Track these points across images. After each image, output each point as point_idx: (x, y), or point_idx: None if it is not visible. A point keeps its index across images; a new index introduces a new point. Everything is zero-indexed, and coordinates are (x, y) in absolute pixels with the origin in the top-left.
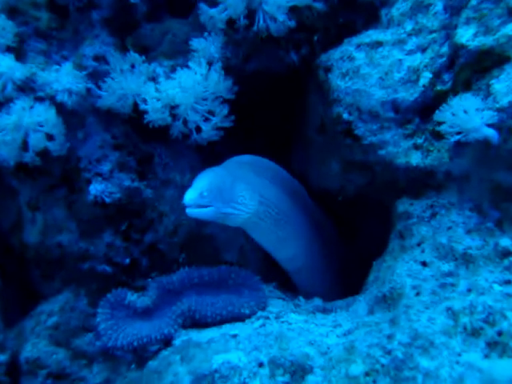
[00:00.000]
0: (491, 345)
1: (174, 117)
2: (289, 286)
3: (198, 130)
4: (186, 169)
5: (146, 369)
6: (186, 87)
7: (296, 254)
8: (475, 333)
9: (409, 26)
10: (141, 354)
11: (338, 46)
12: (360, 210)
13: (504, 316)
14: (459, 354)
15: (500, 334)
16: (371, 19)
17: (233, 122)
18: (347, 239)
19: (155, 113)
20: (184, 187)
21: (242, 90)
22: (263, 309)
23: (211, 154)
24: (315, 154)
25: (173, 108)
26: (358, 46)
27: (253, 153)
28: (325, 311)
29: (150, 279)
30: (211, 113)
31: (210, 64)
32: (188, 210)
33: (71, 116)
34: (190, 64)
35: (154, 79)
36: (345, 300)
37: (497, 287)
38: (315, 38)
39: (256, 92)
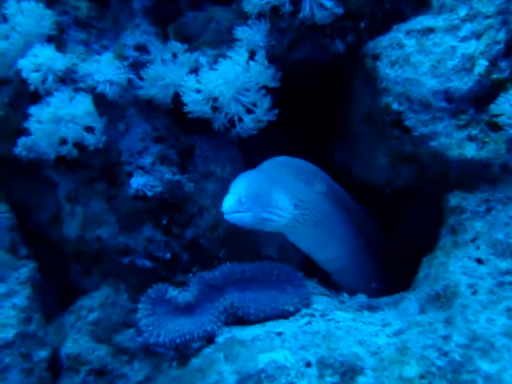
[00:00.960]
0: None
1: (215, 109)
2: (330, 281)
3: (240, 121)
4: (226, 161)
5: (188, 366)
6: (228, 79)
7: (336, 256)
8: None
9: (462, 12)
10: (183, 351)
11: (385, 33)
12: (407, 204)
13: None
14: None
15: None
16: (420, 5)
17: (276, 116)
18: (391, 234)
19: (195, 105)
20: (224, 180)
21: (286, 80)
22: (307, 306)
23: (251, 146)
24: (360, 146)
25: (214, 100)
26: (408, 33)
27: (295, 145)
28: (370, 308)
29: (190, 274)
30: (254, 104)
31: (253, 53)
32: (226, 216)
33: (112, 107)
34: (232, 54)
35: (196, 69)
36: (391, 297)
37: None
38: (362, 24)
39: (300, 82)
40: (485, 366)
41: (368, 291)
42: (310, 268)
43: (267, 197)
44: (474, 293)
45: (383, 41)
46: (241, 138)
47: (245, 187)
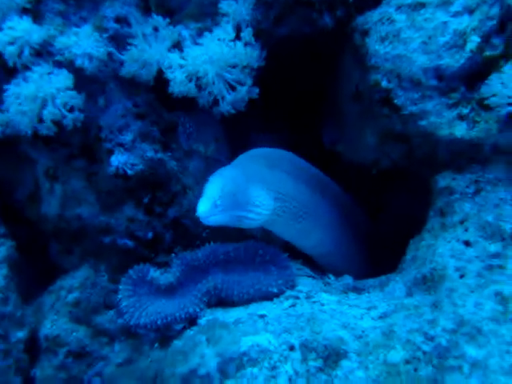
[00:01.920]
0: None
1: (200, 86)
2: (315, 263)
3: (223, 99)
4: (210, 139)
5: (170, 348)
6: (213, 57)
7: (319, 242)
8: None
9: None
10: (164, 333)
11: (376, 7)
12: (394, 186)
13: None
14: (509, 343)
15: None
16: None
17: (257, 94)
18: (378, 216)
19: (180, 84)
20: (208, 158)
21: (273, 56)
22: (292, 287)
23: (236, 124)
24: (348, 125)
25: (198, 78)
26: (399, 8)
27: (282, 124)
28: (356, 290)
29: (173, 255)
30: (238, 82)
31: (239, 29)
32: (202, 220)
33: (91, 82)
34: (219, 31)
35: (179, 43)
36: (377, 279)
37: None
38: None
39: (287, 58)
40: (471, 351)
41: (353, 273)
42: (295, 249)
43: (244, 195)
44: (461, 276)
45: (373, 16)
46: (224, 115)
47: (219, 188)
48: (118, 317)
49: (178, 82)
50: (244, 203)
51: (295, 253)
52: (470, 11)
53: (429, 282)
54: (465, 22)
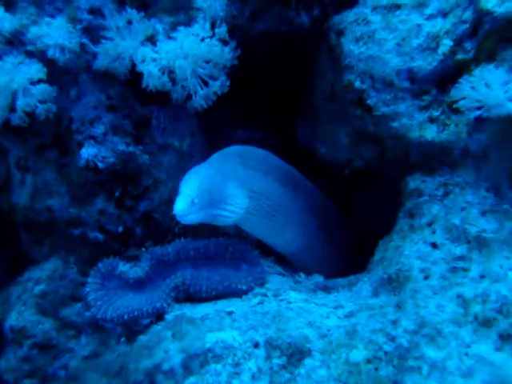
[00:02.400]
0: (504, 337)
1: (174, 80)
2: (287, 261)
3: (196, 94)
4: (185, 134)
5: (136, 343)
6: (186, 49)
7: (291, 240)
8: (487, 323)
9: None
10: (131, 327)
11: (352, 7)
12: (366, 186)
13: None
14: (469, 346)
15: None
16: None
17: (227, 88)
18: (350, 215)
19: (153, 78)
20: (183, 153)
21: (248, 53)
22: (261, 285)
23: (213, 120)
24: (323, 125)
25: (172, 72)
26: (375, 9)
27: (258, 121)
28: (325, 289)
29: (143, 249)
30: (211, 77)
31: (213, 24)
32: (179, 219)
33: (63, 73)
34: (194, 26)
35: (152, 37)
36: (347, 278)
37: None
38: None
39: (263, 55)
40: (431, 352)
41: (325, 273)
42: (268, 247)
43: (220, 193)
44: (426, 278)
45: (349, 16)
46: (197, 110)
47: (196, 186)
48: (86, 310)
49: (152, 76)
50: (219, 201)
51: (268, 251)
52: (444, 14)
53: (394, 283)
54: (438, 24)
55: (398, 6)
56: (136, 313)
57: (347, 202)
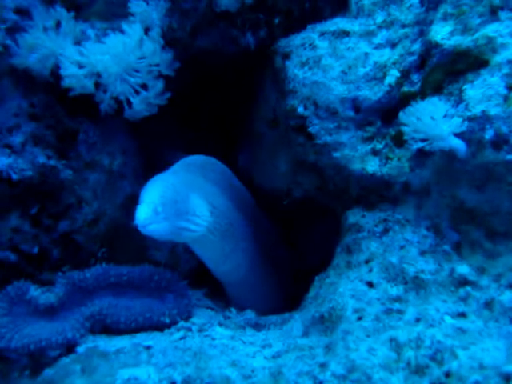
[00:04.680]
0: None
1: (99, 86)
2: (222, 293)
3: (128, 104)
4: (116, 151)
5: (40, 377)
6: (115, 54)
7: (237, 266)
8: (419, 371)
9: (380, 18)
10: (38, 359)
11: (300, 32)
12: (306, 217)
13: (454, 354)
14: None
15: (448, 375)
16: (340, 7)
17: (167, 100)
18: (290, 246)
19: (74, 79)
20: (113, 172)
21: (188, 70)
22: (187, 319)
23: (149, 140)
24: (264, 151)
25: (98, 76)
26: (322, 34)
27: (199, 142)
28: (256, 326)
29: (59, 273)
30: (144, 86)
31: (147, 30)
32: (142, 229)
33: None
34: (124, 28)
35: (81, 42)
36: (281, 316)
37: (448, 320)
38: (276, 20)
39: (204, 74)
40: None
41: (263, 307)
42: (203, 277)
43: (185, 203)
44: (359, 318)
45: (296, 39)
46: (137, 128)
47: (160, 194)
48: None
49: (74, 76)
50: (185, 212)
51: (200, 282)
52: (393, 45)
53: (327, 322)
54: (386, 54)
55: (346, 33)
56: (44, 343)
57: (288, 233)
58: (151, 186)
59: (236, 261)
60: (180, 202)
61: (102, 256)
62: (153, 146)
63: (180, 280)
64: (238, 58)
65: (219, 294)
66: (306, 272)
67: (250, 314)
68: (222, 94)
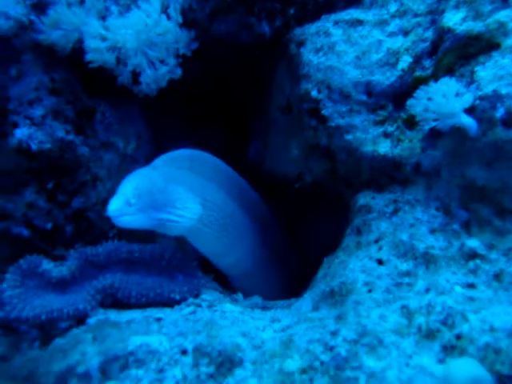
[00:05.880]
0: (447, 349)
1: (119, 61)
2: (227, 284)
3: (144, 74)
4: (131, 136)
5: (50, 346)
6: (137, 29)
7: (240, 258)
8: (430, 335)
9: (393, 8)
10: (48, 331)
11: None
12: (316, 202)
13: (465, 318)
14: (410, 356)
15: (459, 337)
16: (353, 1)
17: (179, 75)
18: (298, 234)
19: (98, 53)
20: (127, 156)
21: (205, 61)
22: (196, 296)
23: (163, 126)
24: (276, 136)
25: (119, 50)
26: (336, 23)
27: (210, 133)
28: (264, 308)
29: (72, 250)
30: (161, 60)
31: (166, 7)
32: (114, 220)
33: (5, 48)
34: (143, 5)
35: (105, 18)
36: (287, 300)
37: (459, 289)
38: (291, 10)
39: (219, 63)
40: (370, 362)
41: (269, 298)
42: (209, 266)
43: (163, 196)
44: (369, 291)
45: (311, 28)
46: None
47: (133, 186)
48: None
49: (98, 50)
50: (164, 204)
51: (207, 269)
52: (405, 33)
53: (337, 296)
54: (399, 42)
55: (360, 22)
56: (55, 314)
57: (296, 219)
58: (126, 179)
59: (238, 254)
60: (157, 193)
61: (113, 236)
62: (168, 137)
63: (190, 260)
64: (253, 47)
65: (225, 282)
66: (311, 265)
67: (257, 299)
68: (236, 84)
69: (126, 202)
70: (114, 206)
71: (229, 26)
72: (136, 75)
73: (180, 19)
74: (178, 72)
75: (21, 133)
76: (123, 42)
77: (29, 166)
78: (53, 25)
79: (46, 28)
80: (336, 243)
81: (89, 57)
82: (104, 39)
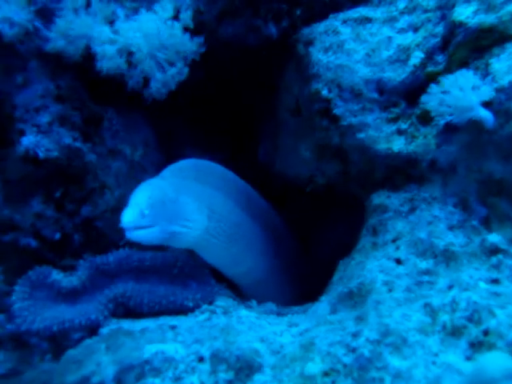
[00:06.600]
0: (475, 345)
1: (130, 64)
2: (240, 294)
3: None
4: (138, 143)
5: (63, 357)
6: (148, 32)
7: (251, 267)
8: (456, 332)
9: (402, 4)
10: (60, 342)
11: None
12: (328, 204)
13: (492, 313)
14: (436, 355)
15: (486, 333)
16: (360, 1)
17: (185, 75)
18: (310, 239)
19: (108, 60)
20: (134, 163)
21: (215, 65)
22: (210, 303)
23: (169, 134)
24: (286, 139)
25: (129, 54)
26: (345, 21)
27: (218, 139)
28: (279, 314)
29: (81, 261)
30: (170, 63)
31: (178, 11)
32: (128, 234)
33: (11, 56)
34: (156, 7)
35: (113, 22)
36: (302, 306)
37: (483, 285)
38: (297, 11)
39: (226, 66)
40: (395, 362)
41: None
42: (221, 274)
43: (174, 207)
44: (390, 290)
45: (319, 27)
46: (158, 123)
47: (146, 196)
48: (9, 321)
49: (108, 56)
50: (175, 216)
51: (219, 278)
52: (415, 29)
53: (355, 297)
54: (409, 38)
55: (368, 20)
56: (67, 324)
57: (308, 222)
58: (138, 189)
59: (249, 263)
60: (168, 204)
61: (123, 245)
62: (175, 142)
63: (203, 268)
64: (260, 49)
65: (237, 290)
66: (325, 268)
67: (271, 306)
68: (243, 87)
69: (140, 214)
70: (128, 218)
71: (236, 28)
72: (146, 79)
73: (191, 24)
74: (185, 71)
75: (27, 140)
76: (136, 45)
77: (36, 174)
78: (61, 33)
79: (53, 36)
80: (350, 246)
81: (100, 64)
82: (113, 42)
